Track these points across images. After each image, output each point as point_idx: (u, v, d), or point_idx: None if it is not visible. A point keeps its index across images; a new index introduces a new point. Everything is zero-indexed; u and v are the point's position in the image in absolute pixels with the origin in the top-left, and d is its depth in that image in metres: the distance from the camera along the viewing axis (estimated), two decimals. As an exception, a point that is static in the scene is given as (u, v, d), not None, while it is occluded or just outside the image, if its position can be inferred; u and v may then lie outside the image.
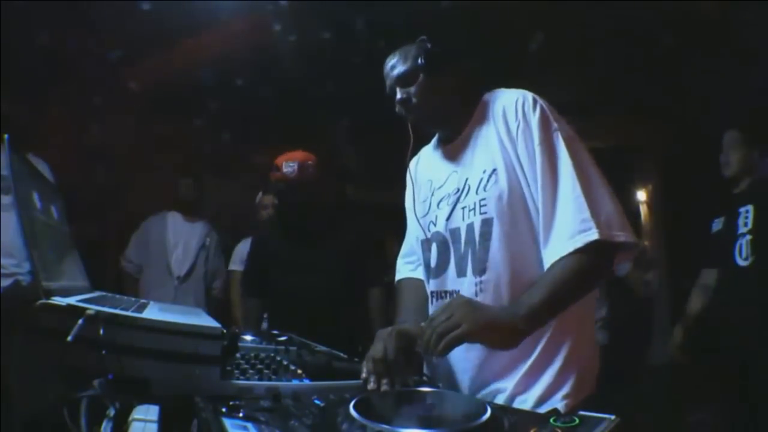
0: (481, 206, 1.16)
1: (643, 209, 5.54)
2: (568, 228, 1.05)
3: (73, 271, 1.20)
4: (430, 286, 1.29)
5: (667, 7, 3.19)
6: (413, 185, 1.41)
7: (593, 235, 1.02)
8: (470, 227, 1.19)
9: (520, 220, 1.13)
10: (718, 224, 2.43)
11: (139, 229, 3.42)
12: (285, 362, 1.09)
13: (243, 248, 3.28)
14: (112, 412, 0.87)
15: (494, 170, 1.16)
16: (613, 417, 0.70)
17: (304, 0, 3.31)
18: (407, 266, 1.49)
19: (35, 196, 1.03)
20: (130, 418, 0.85)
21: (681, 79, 4.04)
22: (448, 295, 1.22)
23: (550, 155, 1.10)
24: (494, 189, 1.15)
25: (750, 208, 2.24)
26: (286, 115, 4.27)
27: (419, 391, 0.98)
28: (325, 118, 4.35)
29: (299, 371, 1.01)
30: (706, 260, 2.52)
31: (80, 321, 0.77)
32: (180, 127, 4.39)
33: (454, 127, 1.29)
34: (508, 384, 1.11)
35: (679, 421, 3.02)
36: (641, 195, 5.58)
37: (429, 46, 1.23)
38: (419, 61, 1.22)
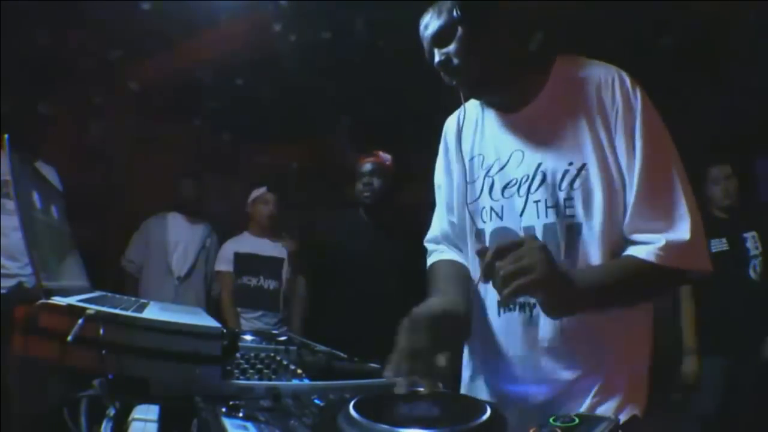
0: (566, 207, 0.99)
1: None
2: (662, 242, 0.94)
3: (73, 271, 1.20)
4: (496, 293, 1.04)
5: (668, 7, 3.19)
6: (455, 156, 1.16)
7: (681, 263, 0.95)
8: (551, 229, 1.01)
9: (613, 226, 0.98)
10: (719, 245, 2.75)
11: (139, 229, 3.42)
12: (285, 362, 1.09)
13: (229, 247, 3.27)
14: (112, 412, 0.87)
15: (584, 165, 0.98)
16: (613, 417, 0.70)
17: (304, 0, 3.31)
18: (442, 247, 1.26)
19: (35, 196, 1.03)
20: (130, 418, 0.85)
21: (681, 79, 4.03)
22: (518, 307, 1.05)
23: (656, 159, 0.97)
24: (583, 189, 0.98)
25: (755, 234, 2.66)
26: (287, 115, 4.26)
27: (419, 391, 0.98)
28: (325, 118, 4.35)
29: (299, 371, 1.01)
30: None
31: (80, 321, 0.77)
32: (180, 127, 4.39)
33: (519, 93, 1.07)
34: (587, 397, 1.00)
35: (678, 421, 3.02)
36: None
37: None
38: (455, 12, 0.99)
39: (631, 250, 0.97)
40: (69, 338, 0.75)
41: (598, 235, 0.98)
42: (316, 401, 0.81)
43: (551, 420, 0.70)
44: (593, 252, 0.99)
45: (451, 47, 1.02)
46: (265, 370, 0.97)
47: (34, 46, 3.29)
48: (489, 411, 0.73)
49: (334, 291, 2.47)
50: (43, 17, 3.15)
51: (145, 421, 0.85)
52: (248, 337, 1.38)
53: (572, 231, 0.99)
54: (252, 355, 1.14)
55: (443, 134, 1.23)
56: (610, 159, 0.98)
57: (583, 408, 1.00)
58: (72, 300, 0.83)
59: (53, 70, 3.53)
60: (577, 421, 0.69)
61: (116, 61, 3.67)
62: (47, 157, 2.76)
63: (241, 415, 0.71)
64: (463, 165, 1.14)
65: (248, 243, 3.26)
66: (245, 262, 3.22)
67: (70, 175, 2.94)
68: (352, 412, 0.71)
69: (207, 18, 3.39)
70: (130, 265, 3.37)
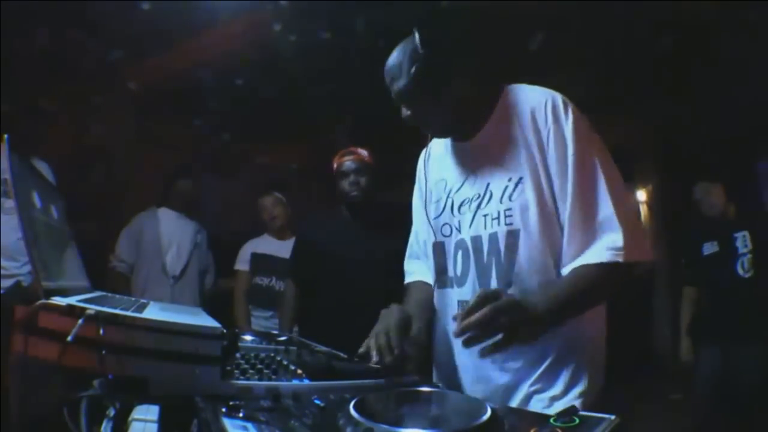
0: (506, 216, 1.13)
1: (643, 209, 5.55)
2: (599, 244, 1.06)
3: (73, 271, 1.20)
4: (456, 294, 1.24)
5: (668, 8, 3.19)
6: (424, 183, 1.34)
7: (620, 257, 1.04)
8: (494, 237, 1.15)
9: (547, 232, 1.10)
10: (711, 247, 3.03)
11: (129, 226, 3.27)
12: (285, 362, 1.09)
13: (249, 248, 3.25)
14: (112, 412, 0.87)
15: (521, 179, 1.12)
16: (613, 417, 0.70)
17: (304, 0, 3.31)
18: (416, 268, 1.48)
19: (35, 196, 1.03)
20: (130, 418, 0.85)
21: (681, 79, 4.04)
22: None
23: (583, 170, 1.08)
24: (520, 199, 1.11)
25: (746, 233, 2.90)
26: (287, 114, 4.27)
27: (419, 391, 0.98)
28: (325, 117, 4.35)
29: (299, 371, 1.01)
30: (693, 278, 3.21)
31: (80, 321, 0.77)
32: (180, 127, 4.39)
33: (472, 125, 1.21)
34: (525, 384, 1.13)
35: (679, 421, 3.03)
36: (641, 195, 5.59)
37: (422, 52, 1.10)
38: (411, 80, 1.12)
39: (575, 260, 1.08)
40: (69, 338, 0.75)
41: (535, 238, 1.11)
42: (316, 401, 0.81)
43: (551, 420, 0.70)
44: (531, 253, 1.11)
45: (414, 107, 1.17)
46: (265, 370, 0.97)
47: (34, 46, 3.29)
48: (489, 411, 0.73)
49: (326, 293, 2.38)
50: (43, 17, 3.15)
51: (145, 421, 0.84)
52: (248, 337, 1.38)
53: (512, 237, 1.12)
54: (252, 355, 1.14)
55: (418, 165, 1.40)
56: (542, 173, 1.10)
57: (521, 394, 1.12)
58: (72, 300, 0.83)
59: (53, 70, 3.52)
60: (577, 421, 0.69)
61: (116, 61, 3.66)
62: (45, 156, 2.75)
63: (241, 415, 0.71)
64: (429, 188, 1.32)
65: (266, 244, 3.24)
66: (260, 262, 3.20)
67: (70, 175, 2.94)
68: (352, 412, 0.71)
69: (207, 18, 3.39)
70: (122, 264, 3.21)
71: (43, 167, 2.60)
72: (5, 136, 0.93)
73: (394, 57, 1.16)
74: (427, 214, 1.29)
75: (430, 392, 0.95)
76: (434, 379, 1.32)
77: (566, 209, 1.08)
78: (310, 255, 2.47)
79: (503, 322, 0.94)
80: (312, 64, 3.77)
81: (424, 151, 1.38)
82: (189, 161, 4.01)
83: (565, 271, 1.09)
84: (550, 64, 3.75)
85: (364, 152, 2.42)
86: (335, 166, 2.43)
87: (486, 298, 0.94)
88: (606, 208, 1.06)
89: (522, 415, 0.91)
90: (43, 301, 0.79)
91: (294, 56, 3.70)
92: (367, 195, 2.36)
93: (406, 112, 1.20)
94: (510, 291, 1.11)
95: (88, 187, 3.70)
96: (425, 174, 1.34)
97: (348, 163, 2.38)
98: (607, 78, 3.95)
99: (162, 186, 3.39)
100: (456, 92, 1.16)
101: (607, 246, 1.05)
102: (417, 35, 1.12)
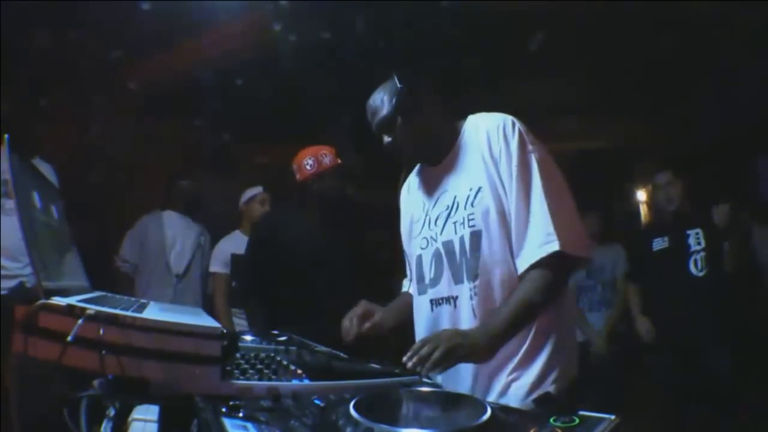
0: (469, 220, 1.31)
1: (643, 209, 5.55)
2: (535, 240, 1.22)
3: (73, 271, 1.20)
4: (429, 295, 1.39)
5: (668, 8, 3.19)
6: (405, 210, 1.55)
7: (555, 246, 1.19)
8: (462, 239, 1.32)
9: (504, 231, 1.28)
10: (661, 243, 2.94)
11: (133, 228, 3.32)
12: (285, 362, 1.09)
13: (225, 247, 3.22)
14: (112, 412, 0.87)
15: (480, 188, 1.30)
16: (613, 417, 0.70)
17: (304, 0, 3.31)
18: (405, 282, 1.67)
19: (35, 196, 1.03)
20: (130, 418, 0.85)
21: (681, 79, 4.04)
22: (444, 301, 1.36)
23: (524, 175, 1.26)
24: (480, 205, 1.29)
25: (699, 230, 2.82)
26: (286, 114, 4.27)
27: (419, 391, 0.98)
28: (325, 117, 4.35)
29: (299, 371, 1.01)
30: (638, 273, 3.12)
31: (80, 321, 0.77)
32: (180, 127, 4.39)
33: (442, 152, 1.41)
34: (503, 374, 1.25)
35: (679, 421, 3.03)
36: (641, 195, 5.59)
37: (400, 87, 1.35)
38: (391, 110, 1.35)
39: (519, 263, 1.25)
40: (69, 338, 0.75)
41: (495, 236, 1.28)
42: (316, 401, 0.81)
43: (551, 420, 0.70)
44: (492, 250, 1.28)
45: (393, 134, 1.38)
46: (265, 370, 0.97)
47: (34, 46, 3.29)
48: (489, 411, 0.73)
49: (292, 291, 2.32)
50: (43, 17, 3.15)
51: (145, 421, 0.85)
52: (248, 337, 1.38)
53: (475, 237, 1.30)
54: (252, 355, 1.14)
55: (400, 197, 1.61)
56: (498, 182, 1.29)
57: (500, 385, 1.25)
58: (72, 300, 0.83)
59: (53, 70, 3.52)
60: (577, 421, 0.69)
61: (116, 61, 3.66)
62: (46, 156, 2.75)
63: (241, 415, 0.71)
64: (411, 213, 1.52)
65: (244, 243, 3.23)
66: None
67: (70, 175, 2.93)
68: (352, 412, 0.72)
69: (207, 18, 3.39)
70: (126, 265, 3.26)
71: (46, 168, 2.60)
72: (5, 136, 0.93)
73: (376, 95, 1.40)
74: (411, 233, 1.49)
75: (430, 392, 0.95)
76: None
77: (512, 209, 1.26)
78: (277, 255, 2.38)
79: (432, 349, 1.07)
80: (312, 64, 3.76)
81: (405, 185, 1.59)
82: (189, 161, 4.01)
83: (518, 263, 1.25)
84: (551, 64, 3.76)
85: (326, 157, 2.43)
86: (325, 162, 2.40)
87: (423, 341, 1.10)
88: (540, 205, 1.23)
89: (522, 415, 0.91)
90: (43, 301, 0.79)
91: (294, 56, 3.70)
92: (345, 195, 2.40)
93: (386, 139, 1.39)
94: (477, 282, 1.28)
95: (88, 187, 3.70)
96: (406, 202, 1.56)
97: (340, 162, 2.40)
98: (607, 78, 3.96)
99: (162, 186, 3.40)
100: (427, 120, 1.38)
101: (541, 240, 1.20)
102: (396, 76, 1.37)
